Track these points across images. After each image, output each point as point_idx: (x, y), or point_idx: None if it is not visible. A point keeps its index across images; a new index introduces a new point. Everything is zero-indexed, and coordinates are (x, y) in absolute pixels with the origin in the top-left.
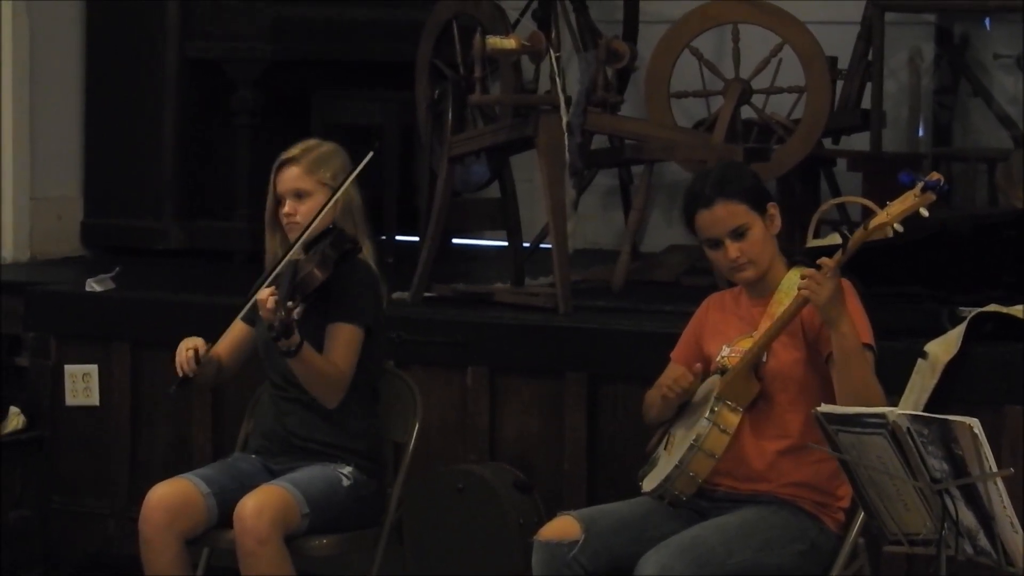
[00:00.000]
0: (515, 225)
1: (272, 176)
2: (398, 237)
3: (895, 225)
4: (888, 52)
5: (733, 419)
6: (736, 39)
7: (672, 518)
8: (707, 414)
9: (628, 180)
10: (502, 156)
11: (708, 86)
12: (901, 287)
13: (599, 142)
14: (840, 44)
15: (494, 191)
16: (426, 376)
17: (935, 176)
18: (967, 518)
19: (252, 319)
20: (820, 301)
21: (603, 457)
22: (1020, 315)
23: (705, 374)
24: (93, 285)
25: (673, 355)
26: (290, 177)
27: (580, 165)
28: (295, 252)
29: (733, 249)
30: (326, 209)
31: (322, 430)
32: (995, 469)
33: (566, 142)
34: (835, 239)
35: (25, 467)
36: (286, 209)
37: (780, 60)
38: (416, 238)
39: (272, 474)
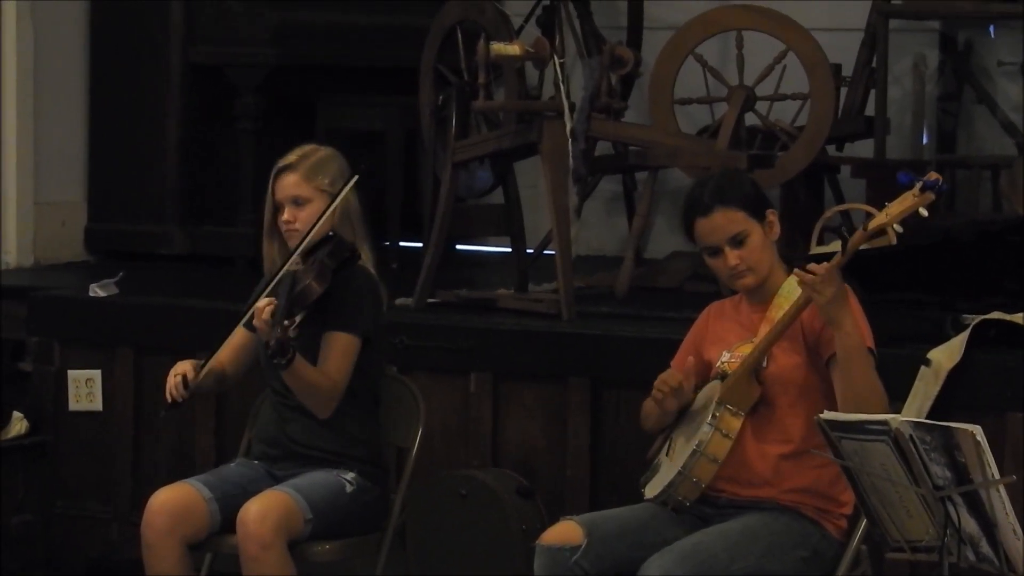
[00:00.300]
0: (519, 231)
1: (270, 183)
2: (402, 243)
3: (895, 226)
4: (892, 59)
5: (735, 423)
6: (740, 46)
7: (675, 524)
8: (709, 419)
9: (632, 186)
10: (506, 162)
11: (712, 92)
12: (904, 294)
13: (603, 148)
14: (844, 51)
15: (498, 197)
16: (429, 382)
17: (933, 176)
18: (969, 525)
19: (253, 325)
20: (822, 301)
21: (606, 462)
22: (1023, 322)
23: (705, 380)
24: (96, 290)
25: (673, 363)
26: (288, 184)
27: (584, 171)
28: (293, 262)
29: (732, 256)
30: (323, 220)
31: (324, 437)
32: (997, 476)
33: (570, 148)
34: (838, 246)
35: (28, 472)
36: (285, 216)
37: (784, 67)
38: (420, 244)
39: (275, 480)
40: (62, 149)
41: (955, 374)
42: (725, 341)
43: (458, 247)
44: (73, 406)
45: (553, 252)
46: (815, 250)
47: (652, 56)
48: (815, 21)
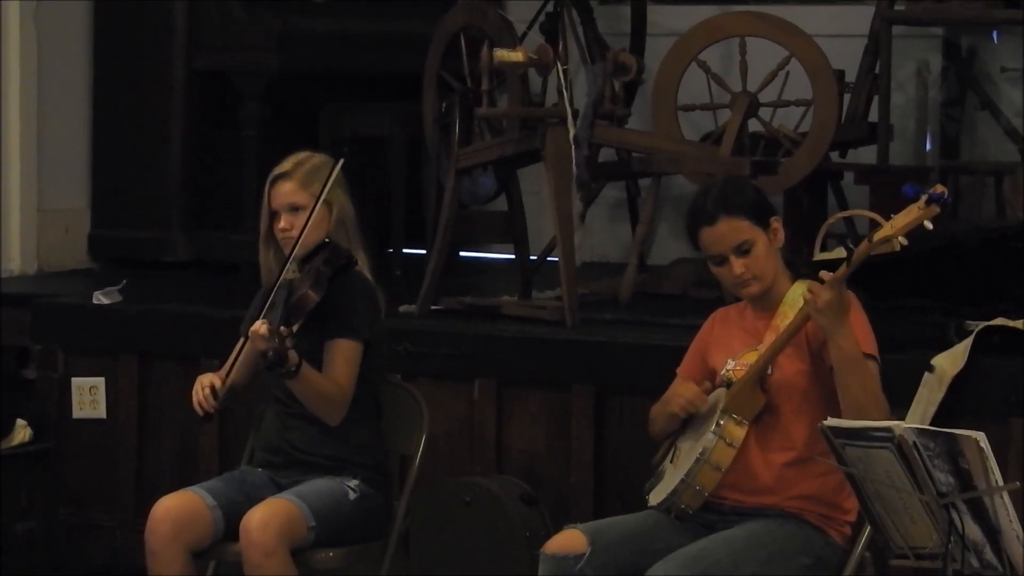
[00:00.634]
0: (522, 237)
1: (266, 191)
2: (405, 249)
3: (900, 238)
4: (895, 65)
5: (739, 432)
6: (743, 52)
7: (678, 531)
8: (713, 427)
9: (635, 193)
10: (509, 169)
11: (715, 99)
12: (908, 300)
13: (606, 155)
14: (847, 57)
15: (501, 204)
16: (433, 388)
17: (939, 188)
18: (973, 532)
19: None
20: (816, 309)
21: (610, 469)
22: None
23: (711, 389)
24: (100, 297)
25: (679, 370)
26: (284, 192)
27: (587, 178)
28: (290, 269)
29: (737, 265)
30: (311, 222)
31: (327, 444)
32: (1001, 483)
33: (573, 155)
34: (841, 253)
35: (32, 479)
36: (282, 224)
37: (787, 73)
38: (423, 250)
39: (279, 487)
40: (66, 156)
41: (959, 380)
42: (730, 348)
43: (462, 254)
44: (77, 413)
45: (557, 259)
46: (819, 256)
47: (655, 63)
48: (818, 27)
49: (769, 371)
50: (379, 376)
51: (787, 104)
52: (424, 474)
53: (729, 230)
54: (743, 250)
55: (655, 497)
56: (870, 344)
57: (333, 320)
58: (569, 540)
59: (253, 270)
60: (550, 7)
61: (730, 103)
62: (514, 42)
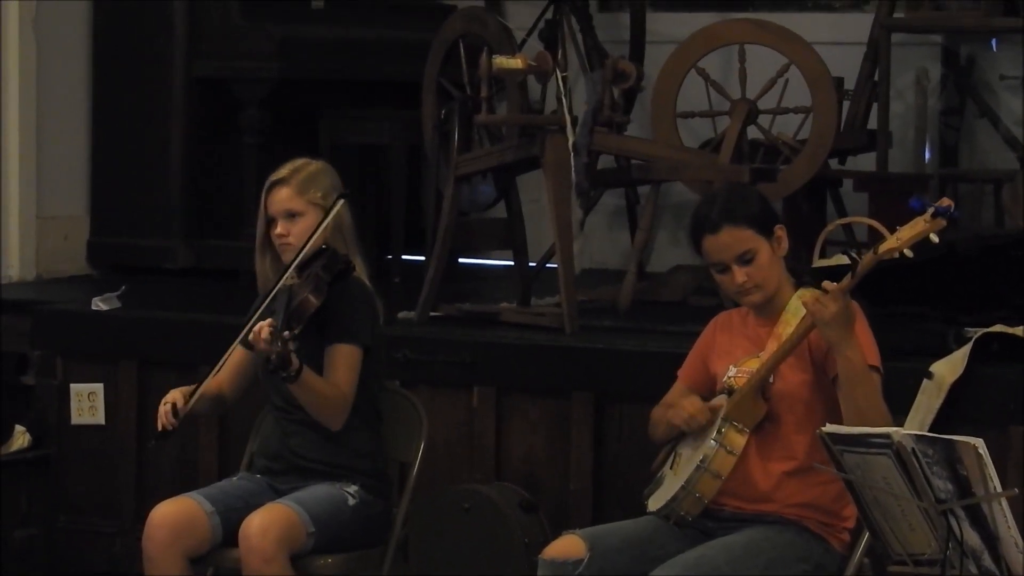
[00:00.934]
0: (521, 245)
1: (262, 198)
2: (404, 256)
3: (905, 251)
4: (895, 73)
5: (740, 440)
6: (742, 59)
7: (677, 538)
8: (714, 435)
9: (634, 200)
10: (508, 176)
11: (714, 106)
12: (907, 307)
13: (605, 162)
14: (846, 65)
15: (500, 211)
16: (432, 396)
17: (946, 202)
18: (972, 538)
19: (251, 344)
20: (822, 322)
21: (609, 477)
22: None
23: (712, 394)
24: (99, 304)
25: (680, 373)
26: (281, 198)
27: (586, 185)
28: (289, 276)
29: (740, 274)
30: (316, 235)
31: (327, 450)
32: (1000, 489)
33: (572, 162)
34: (841, 259)
35: (31, 486)
36: (278, 230)
37: (787, 80)
38: (422, 258)
39: (277, 493)
40: (65, 162)
41: (957, 387)
42: (731, 355)
43: (461, 261)
44: (76, 420)
45: (556, 266)
46: (818, 263)
47: (655, 70)
48: (818, 35)
49: (771, 380)
50: (378, 382)
51: (786, 111)
52: (423, 481)
53: (732, 239)
54: (746, 259)
55: (654, 503)
56: (874, 356)
57: (333, 325)
58: (568, 546)
59: (252, 277)
60: (549, 14)
61: (729, 110)
62: (513, 49)
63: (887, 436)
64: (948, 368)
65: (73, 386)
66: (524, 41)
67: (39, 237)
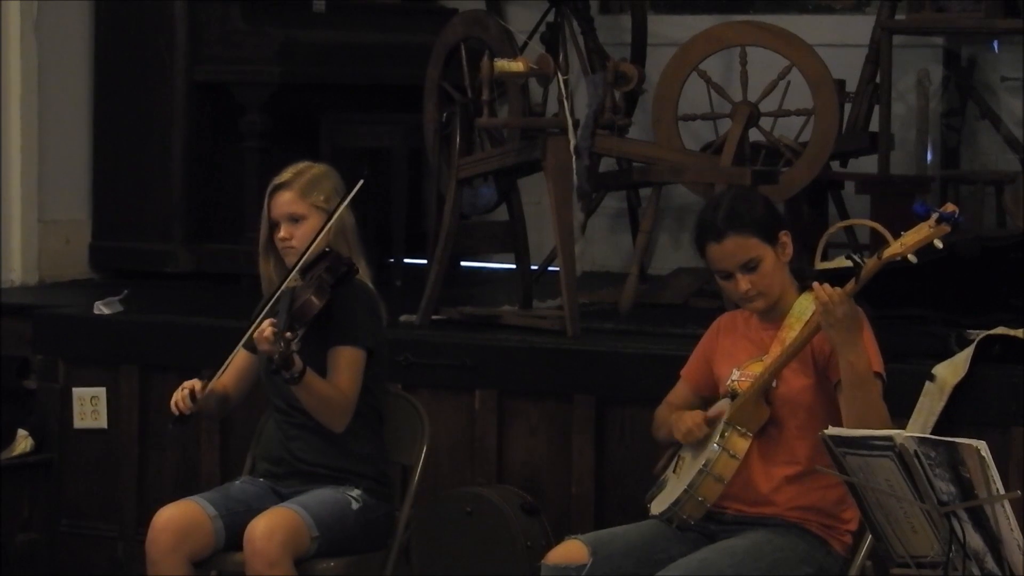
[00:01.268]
0: (523, 248)
1: (265, 201)
2: (406, 260)
3: (909, 256)
4: (896, 75)
5: (742, 444)
6: (744, 62)
7: (680, 541)
8: (717, 439)
9: (636, 203)
10: (510, 179)
11: (716, 109)
12: (909, 309)
13: (607, 165)
14: (848, 67)
15: (502, 214)
16: (434, 399)
17: (950, 208)
18: (974, 541)
19: (253, 346)
20: (830, 323)
21: (611, 479)
22: None
23: (715, 397)
24: (101, 308)
25: (683, 373)
26: (284, 202)
27: (588, 188)
28: (292, 279)
29: (744, 282)
30: (319, 238)
31: (329, 454)
32: (1002, 492)
33: (574, 165)
34: (843, 262)
35: (33, 490)
36: (281, 234)
37: (788, 83)
38: (424, 261)
39: (280, 497)
40: (67, 167)
41: (960, 389)
42: (735, 357)
43: (462, 264)
44: (78, 424)
45: (557, 269)
46: (819, 266)
47: (656, 72)
48: (819, 37)
49: (774, 384)
50: (380, 386)
51: (788, 114)
52: (425, 484)
53: (736, 247)
54: (750, 267)
55: (657, 507)
56: (878, 363)
57: (335, 328)
58: (570, 551)
59: (254, 281)
60: (551, 17)
61: (731, 113)
62: (514, 52)
63: (889, 438)
64: (950, 370)
65: (76, 390)
66: (525, 44)
67: (41, 241)
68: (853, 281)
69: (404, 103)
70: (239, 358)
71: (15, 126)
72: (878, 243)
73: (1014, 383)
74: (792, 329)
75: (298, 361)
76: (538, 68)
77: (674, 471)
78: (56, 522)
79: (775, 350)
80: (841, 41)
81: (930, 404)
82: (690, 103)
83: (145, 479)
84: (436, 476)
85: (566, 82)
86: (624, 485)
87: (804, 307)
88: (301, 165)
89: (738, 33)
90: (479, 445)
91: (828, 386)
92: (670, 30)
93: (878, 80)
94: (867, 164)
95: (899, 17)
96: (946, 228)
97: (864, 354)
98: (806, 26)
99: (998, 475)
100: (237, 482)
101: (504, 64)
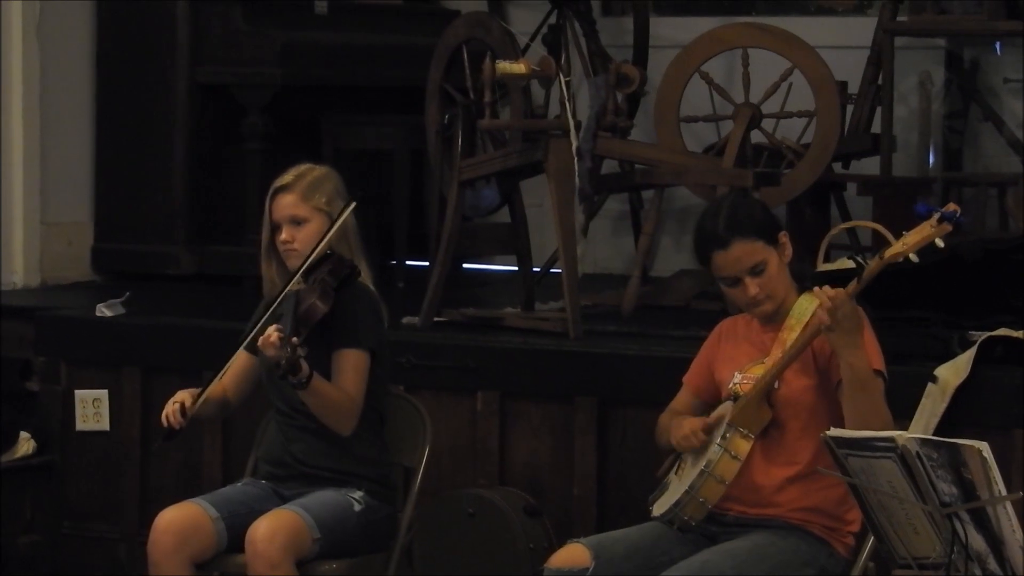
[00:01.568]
0: (525, 250)
1: (267, 204)
2: (408, 262)
3: (911, 255)
4: (898, 77)
5: (744, 446)
6: (746, 64)
7: (682, 543)
8: (718, 440)
9: (638, 205)
10: (512, 181)
11: (718, 110)
12: (911, 311)
13: (609, 167)
14: (850, 68)
15: (504, 216)
16: (436, 401)
17: (952, 207)
18: (977, 542)
19: (255, 348)
20: (830, 328)
21: (613, 481)
22: None
23: (717, 400)
24: (103, 310)
25: (685, 380)
26: (286, 204)
27: (590, 190)
28: (295, 282)
29: (752, 286)
30: (313, 234)
31: (331, 456)
32: (1004, 493)
33: (576, 167)
34: (845, 263)
35: (35, 492)
36: (283, 236)
37: (790, 84)
38: (426, 263)
39: (282, 499)
40: (69, 169)
41: (962, 391)
42: (736, 361)
43: (464, 266)
44: (80, 426)
45: (559, 270)
46: (822, 267)
47: (658, 74)
48: (821, 39)
49: (776, 385)
50: (382, 387)
51: (790, 115)
52: (427, 486)
53: (743, 253)
54: (757, 271)
55: (659, 509)
56: (879, 361)
57: (339, 331)
58: (573, 555)
59: (256, 283)
60: (553, 19)
61: (733, 114)
62: (516, 54)
63: (891, 440)
64: (952, 372)
65: (78, 392)
66: (527, 46)
67: (43, 243)
68: (855, 281)
69: (406, 105)
70: (239, 360)
71: (17, 128)
72: (880, 244)
73: (1016, 385)
74: (793, 331)
75: (305, 366)
76: (540, 70)
77: (676, 474)
78: (58, 524)
79: (776, 352)
80: (843, 43)
81: (932, 406)
82: (692, 105)
83: (147, 481)
84: (438, 478)
85: (568, 84)
86: (626, 487)
87: (804, 308)
88: (302, 167)
89: (740, 35)
90: (481, 447)
91: (830, 386)
92: (672, 32)
93: (880, 82)
94: (869, 166)
95: (901, 19)
96: (948, 227)
97: (864, 355)
98: (808, 28)
99: (1000, 476)
100: (239, 484)
101: (506, 66)
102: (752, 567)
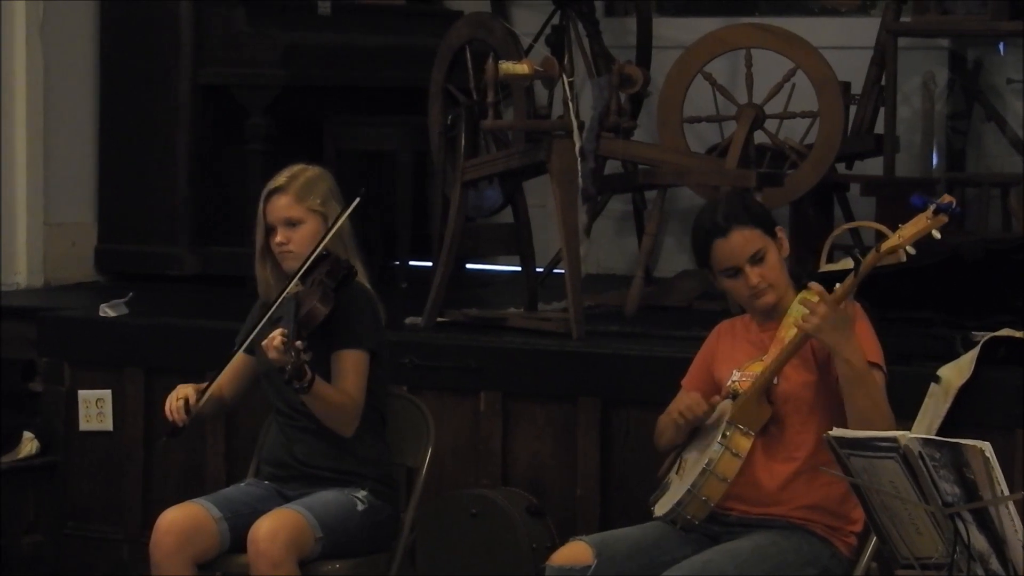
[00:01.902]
0: (528, 250)
1: (261, 206)
2: (411, 262)
3: (908, 248)
4: (901, 77)
5: (745, 443)
6: (749, 64)
7: (684, 543)
8: (719, 438)
9: (641, 205)
10: (515, 181)
11: (721, 111)
12: (914, 312)
13: (612, 167)
14: (853, 69)
15: (507, 216)
16: (439, 401)
17: (947, 198)
18: (979, 542)
19: (253, 349)
20: (814, 331)
21: (616, 482)
22: None
23: (718, 399)
24: (107, 311)
25: (684, 382)
26: (280, 206)
27: (593, 190)
28: (293, 285)
29: (753, 275)
30: (309, 236)
31: (332, 457)
32: (1007, 493)
33: (579, 167)
34: (848, 264)
35: (39, 492)
36: (278, 238)
37: (793, 85)
38: (429, 263)
39: (285, 499)
40: (72, 170)
41: (964, 391)
42: (735, 360)
43: (467, 266)
44: (83, 426)
45: (562, 271)
46: (824, 268)
47: (661, 75)
48: (824, 39)
49: (775, 382)
50: (383, 387)
51: (793, 116)
52: (430, 486)
53: (743, 240)
54: (757, 259)
55: (661, 508)
56: (876, 353)
57: (338, 332)
58: (575, 552)
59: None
60: (556, 20)
61: (736, 115)
62: (519, 54)
63: (893, 440)
64: (955, 372)
65: (81, 392)
66: (530, 46)
67: (46, 244)
68: (852, 276)
69: (409, 106)
70: (237, 361)
71: (21, 129)
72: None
73: (1018, 385)
74: (790, 328)
75: (308, 370)
76: (543, 70)
77: (676, 473)
78: (61, 524)
79: (774, 349)
80: (846, 43)
81: (935, 406)
82: (695, 105)
83: (150, 482)
84: (441, 478)
85: (571, 84)
86: (629, 487)
87: (802, 307)
88: (295, 168)
89: (743, 35)
90: (484, 447)
91: (830, 381)
92: (675, 32)
93: (883, 82)
94: (872, 166)
95: (904, 19)
96: (944, 219)
97: (858, 351)
98: (811, 28)
99: (1002, 476)
100: (242, 484)
101: (509, 66)
102: (754, 567)
